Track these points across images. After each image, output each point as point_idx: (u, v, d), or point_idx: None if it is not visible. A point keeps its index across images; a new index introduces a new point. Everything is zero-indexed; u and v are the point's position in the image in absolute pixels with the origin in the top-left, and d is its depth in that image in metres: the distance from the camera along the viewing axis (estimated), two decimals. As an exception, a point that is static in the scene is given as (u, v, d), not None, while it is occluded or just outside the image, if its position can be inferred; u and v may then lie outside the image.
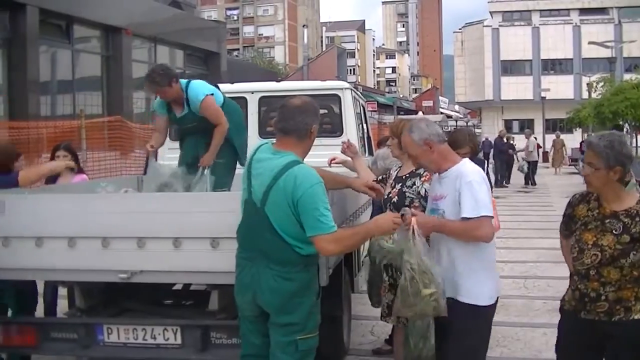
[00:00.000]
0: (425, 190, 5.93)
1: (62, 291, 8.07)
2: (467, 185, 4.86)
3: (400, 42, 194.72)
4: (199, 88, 7.27)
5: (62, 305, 8.14)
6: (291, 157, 4.77)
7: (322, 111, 9.31)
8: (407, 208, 5.07)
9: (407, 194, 6.03)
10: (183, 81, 7.30)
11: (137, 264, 5.69)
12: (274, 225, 4.68)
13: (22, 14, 20.86)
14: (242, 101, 9.26)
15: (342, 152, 6.83)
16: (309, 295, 4.83)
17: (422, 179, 6.00)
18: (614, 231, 4.44)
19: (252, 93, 9.48)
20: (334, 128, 9.32)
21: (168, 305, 7.05)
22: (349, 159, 6.81)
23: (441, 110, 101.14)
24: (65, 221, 5.83)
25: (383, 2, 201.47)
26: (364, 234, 4.99)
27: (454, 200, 4.90)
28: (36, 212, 5.96)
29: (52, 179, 8.29)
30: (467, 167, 5.05)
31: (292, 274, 4.72)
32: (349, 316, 7.62)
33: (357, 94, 10.21)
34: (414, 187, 6.03)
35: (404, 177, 6.16)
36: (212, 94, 7.32)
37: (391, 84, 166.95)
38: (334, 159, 6.93)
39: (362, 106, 10.71)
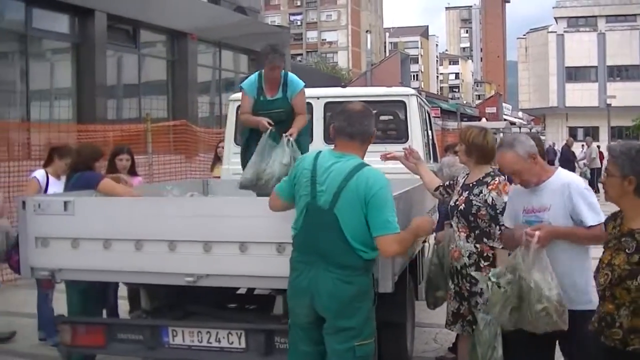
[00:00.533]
0: (493, 199, 5.92)
1: (121, 291, 8.20)
2: (581, 194, 4.95)
3: (464, 48, 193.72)
4: (298, 78, 7.55)
5: (121, 306, 8.29)
6: (357, 159, 4.88)
7: (387, 117, 9.34)
8: (527, 225, 5.00)
9: (474, 202, 5.99)
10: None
11: (204, 268, 5.74)
12: (342, 227, 4.73)
13: (90, 20, 21.12)
14: (307, 107, 9.26)
15: (405, 157, 6.86)
16: (367, 300, 4.86)
17: (490, 187, 5.97)
18: (626, 250, 4.15)
19: (318, 99, 9.45)
20: (400, 134, 9.28)
21: (232, 309, 7.09)
22: (401, 155, 6.91)
23: (504, 116, 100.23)
24: (133, 224, 5.92)
25: (446, 8, 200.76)
26: (414, 236, 5.07)
27: (564, 210, 4.94)
28: (104, 214, 6.07)
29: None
30: (570, 176, 5.16)
31: (352, 278, 4.76)
32: (412, 323, 7.56)
33: (422, 100, 10.16)
34: (481, 195, 5.99)
35: (471, 184, 6.12)
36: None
37: (454, 90, 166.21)
38: (388, 154, 6.95)
39: (427, 112, 10.66)
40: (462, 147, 6.30)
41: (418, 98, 9.53)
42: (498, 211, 5.86)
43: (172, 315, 6.55)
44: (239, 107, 9.93)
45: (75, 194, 6.66)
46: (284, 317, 5.95)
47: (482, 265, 5.92)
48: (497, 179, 6.04)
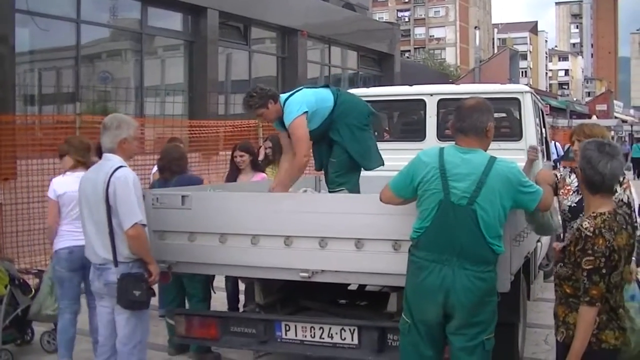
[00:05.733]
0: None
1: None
2: None
3: (574, 44, 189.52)
4: (292, 107, 6.89)
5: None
6: (484, 153, 4.92)
7: (501, 115, 9.19)
8: None
9: (610, 201, 5.83)
10: (283, 96, 7.01)
11: (319, 264, 5.76)
12: (480, 222, 4.75)
13: (203, 17, 21.51)
14: (420, 103, 9.27)
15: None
16: (494, 295, 4.95)
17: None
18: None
19: (431, 95, 9.36)
20: (513, 132, 9.12)
21: (344, 305, 7.09)
22: None
23: (615, 114, 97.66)
24: (249, 219, 5.97)
25: (556, 3, 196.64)
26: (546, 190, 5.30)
27: None
28: (220, 209, 6.15)
29: (233, 176, 8.54)
30: None
31: (485, 274, 4.81)
32: (524, 324, 7.48)
33: (536, 97, 9.97)
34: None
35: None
36: (306, 112, 6.88)
37: (564, 86, 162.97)
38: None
39: (541, 110, 10.47)
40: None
41: (533, 96, 9.35)
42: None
43: (285, 310, 6.61)
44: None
45: (192, 188, 6.77)
46: (397, 315, 5.91)
47: None
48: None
